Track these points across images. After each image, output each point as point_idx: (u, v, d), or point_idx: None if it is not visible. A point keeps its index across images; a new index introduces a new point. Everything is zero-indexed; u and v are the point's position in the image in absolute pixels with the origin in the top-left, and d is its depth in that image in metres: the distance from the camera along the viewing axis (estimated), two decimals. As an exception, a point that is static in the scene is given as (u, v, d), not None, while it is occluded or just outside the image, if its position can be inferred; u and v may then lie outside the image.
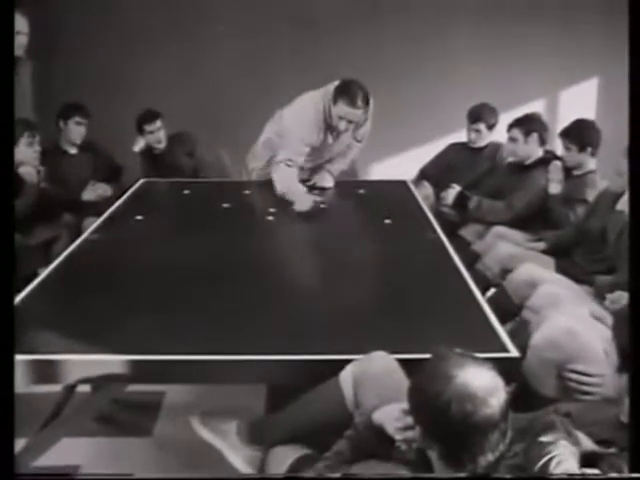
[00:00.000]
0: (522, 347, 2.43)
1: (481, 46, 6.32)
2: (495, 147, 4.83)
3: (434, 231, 3.61)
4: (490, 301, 2.79)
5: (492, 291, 3.53)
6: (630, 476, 1.63)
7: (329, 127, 4.23)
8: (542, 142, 4.33)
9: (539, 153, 4.34)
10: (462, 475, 1.61)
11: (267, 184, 4.36)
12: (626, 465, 1.68)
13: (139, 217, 3.83)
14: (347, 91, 4.02)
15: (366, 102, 4.06)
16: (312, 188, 4.50)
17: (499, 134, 4.79)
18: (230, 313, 2.61)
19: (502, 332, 2.42)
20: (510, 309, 3.13)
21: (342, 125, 4.12)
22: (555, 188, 4.14)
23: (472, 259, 3.82)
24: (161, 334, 2.42)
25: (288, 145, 4.28)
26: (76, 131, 4.83)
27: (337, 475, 1.85)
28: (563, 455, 1.60)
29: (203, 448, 2.33)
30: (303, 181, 4.59)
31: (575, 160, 4.07)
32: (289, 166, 4.25)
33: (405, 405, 1.76)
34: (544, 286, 3.08)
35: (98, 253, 3.33)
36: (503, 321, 2.58)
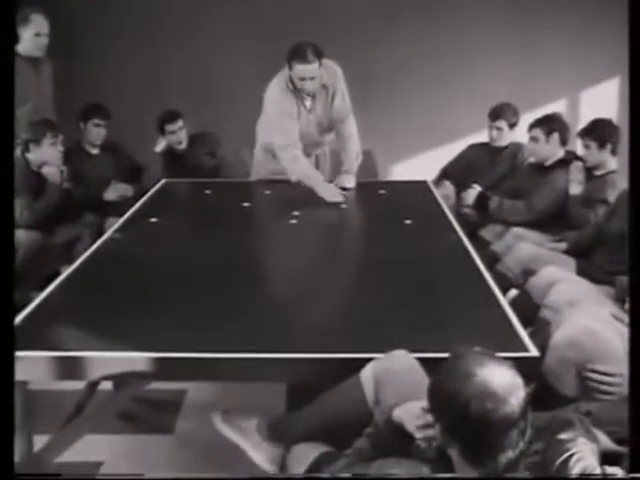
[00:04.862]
0: (542, 346, 2.43)
1: (502, 46, 6.30)
2: (516, 147, 4.81)
3: (454, 231, 3.61)
4: (513, 305, 2.78)
5: (513, 291, 3.51)
6: (631, 476, 1.63)
7: (298, 95, 4.25)
8: (563, 142, 4.31)
9: (560, 153, 4.32)
10: (476, 476, 1.61)
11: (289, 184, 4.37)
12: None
13: (160, 217, 3.85)
14: (297, 51, 4.05)
15: (318, 55, 4.05)
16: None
17: (520, 136, 4.77)
18: (251, 312, 2.62)
19: (522, 332, 2.42)
20: (533, 313, 3.11)
21: (307, 85, 4.14)
22: (576, 189, 4.12)
23: (492, 259, 3.81)
24: (183, 332, 2.44)
25: (279, 127, 4.28)
26: (95, 133, 4.85)
27: (349, 475, 1.86)
28: (583, 452, 1.61)
29: (224, 445, 2.35)
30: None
31: (595, 159, 4.04)
32: (297, 148, 4.26)
33: (425, 403, 1.76)
34: (562, 284, 3.07)
35: (120, 252, 3.36)
36: (526, 324, 2.57)
